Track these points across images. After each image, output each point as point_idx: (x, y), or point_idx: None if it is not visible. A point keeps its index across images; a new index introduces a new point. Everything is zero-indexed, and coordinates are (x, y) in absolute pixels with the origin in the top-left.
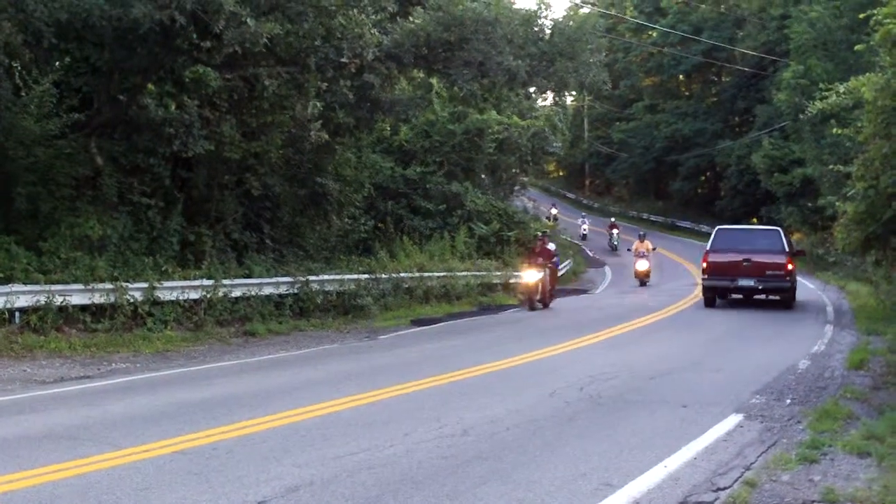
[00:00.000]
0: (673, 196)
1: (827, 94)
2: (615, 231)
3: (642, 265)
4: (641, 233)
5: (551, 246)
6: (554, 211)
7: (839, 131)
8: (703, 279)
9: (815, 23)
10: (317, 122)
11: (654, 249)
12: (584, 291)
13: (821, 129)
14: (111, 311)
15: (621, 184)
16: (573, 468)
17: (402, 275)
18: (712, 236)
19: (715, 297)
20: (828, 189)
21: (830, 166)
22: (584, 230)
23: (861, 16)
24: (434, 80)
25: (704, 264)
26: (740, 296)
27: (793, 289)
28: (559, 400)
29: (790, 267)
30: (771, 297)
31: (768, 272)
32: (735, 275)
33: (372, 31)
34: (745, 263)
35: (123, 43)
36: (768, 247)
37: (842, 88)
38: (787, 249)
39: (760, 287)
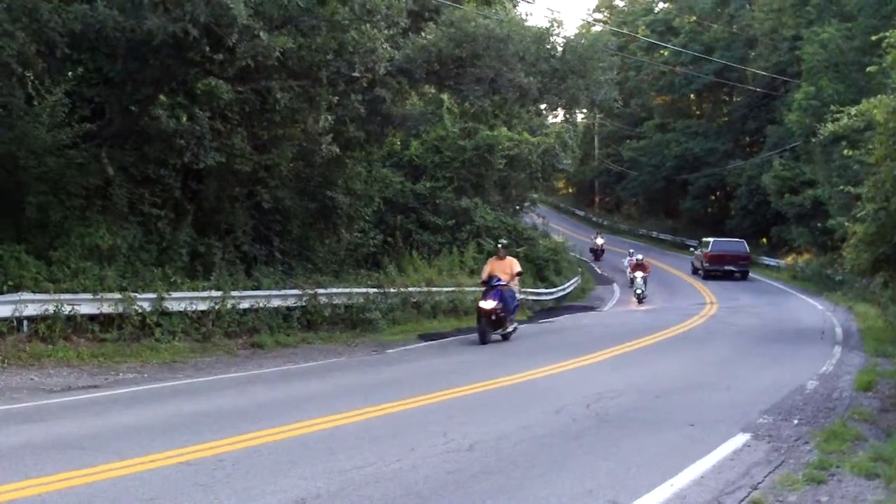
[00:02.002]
0: (683, 215)
1: (839, 115)
2: (640, 275)
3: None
4: (632, 251)
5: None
6: (600, 241)
7: (850, 153)
8: (706, 265)
9: (826, 44)
10: (328, 136)
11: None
12: (592, 308)
13: (831, 151)
14: (119, 320)
15: (631, 202)
16: (580, 485)
17: (410, 289)
18: (710, 244)
19: (714, 273)
20: (837, 210)
21: (840, 187)
22: (599, 244)
23: (873, 38)
24: (445, 96)
25: (707, 258)
26: (730, 267)
27: (748, 269)
28: (566, 417)
29: (748, 259)
30: (737, 273)
31: (739, 261)
32: (722, 263)
33: (384, 46)
34: (727, 257)
35: (136, 54)
36: (737, 249)
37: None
38: (747, 250)
39: (734, 269)
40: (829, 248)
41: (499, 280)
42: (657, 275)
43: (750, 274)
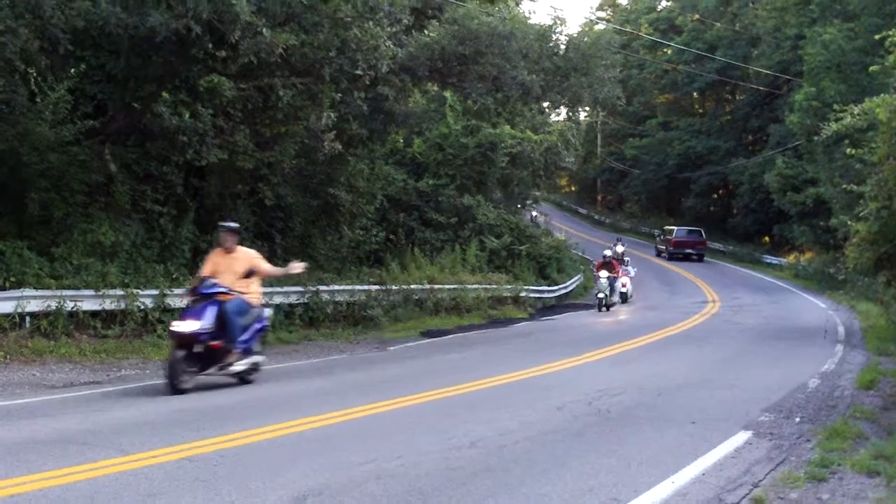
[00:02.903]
0: (685, 213)
1: (841, 115)
2: (605, 274)
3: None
4: (618, 239)
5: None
6: (620, 249)
7: (853, 152)
8: (670, 249)
9: (828, 44)
10: (330, 133)
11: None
12: (592, 307)
13: (833, 150)
14: (122, 317)
15: (633, 200)
16: (581, 482)
17: (412, 286)
18: (674, 231)
19: (676, 255)
20: (840, 209)
21: (843, 186)
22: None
23: (877, 37)
24: (448, 94)
25: (672, 244)
26: (690, 251)
27: (704, 253)
28: (567, 414)
29: (705, 244)
30: (695, 255)
31: (697, 246)
32: (683, 247)
33: (387, 44)
34: (688, 242)
35: (139, 51)
36: (696, 236)
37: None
38: (703, 237)
39: (693, 252)
40: (831, 246)
41: (217, 286)
42: (656, 272)
43: (752, 272)
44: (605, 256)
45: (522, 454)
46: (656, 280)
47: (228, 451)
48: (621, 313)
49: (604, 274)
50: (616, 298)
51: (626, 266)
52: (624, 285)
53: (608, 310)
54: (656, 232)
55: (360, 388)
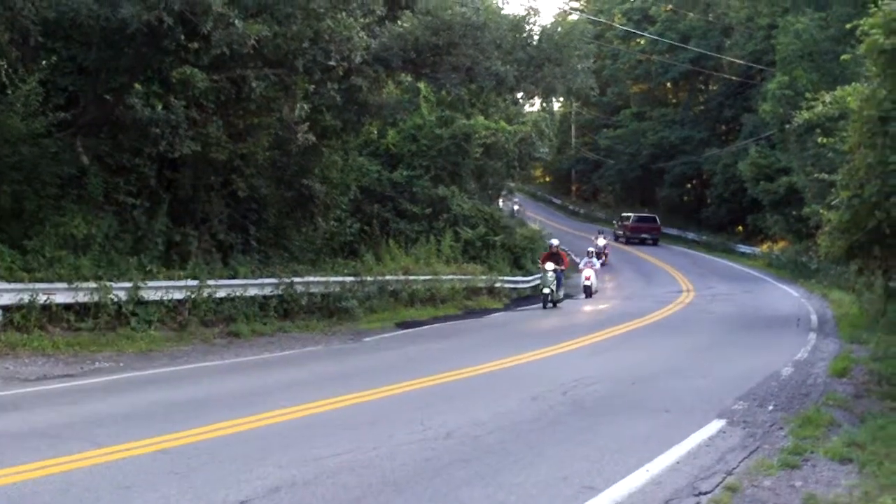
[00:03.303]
0: (659, 203)
1: (813, 103)
2: (551, 267)
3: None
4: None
5: None
6: (602, 242)
7: (824, 141)
8: (627, 234)
9: (801, 34)
10: (304, 125)
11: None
12: (569, 297)
13: (805, 139)
14: (95, 310)
15: (608, 190)
16: (556, 471)
17: (387, 278)
18: (631, 218)
19: (632, 240)
20: (812, 198)
21: (815, 175)
22: (601, 245)
23: (847, 26)
24: (422, 84)
25: (628, 229)
26: (645, 235)
27: (658, 237)
28: (542, 404)
29: (659, 229)
30: (649, 239)
31: (652, 231)
32: (641, 231)
33: (360, 34)
34: (643, 227)
35: (111, 42)
36: (651, 221)
37: (828, 98)
38: (658, 223)
39: (648, 237)
40: (804, 235)
41: None
42: (632, 262)
43: (725, 262)
44: (551, 246)
45: (497, 444)
46: (631, 270)
47: (202, 444)
48: (596, 303)
49: (550, 266)
50: (561, 294)
51: (592, 258)
52: (588, 278)
53: (555, 306)
54: (615, 220)
55: (334, 380)
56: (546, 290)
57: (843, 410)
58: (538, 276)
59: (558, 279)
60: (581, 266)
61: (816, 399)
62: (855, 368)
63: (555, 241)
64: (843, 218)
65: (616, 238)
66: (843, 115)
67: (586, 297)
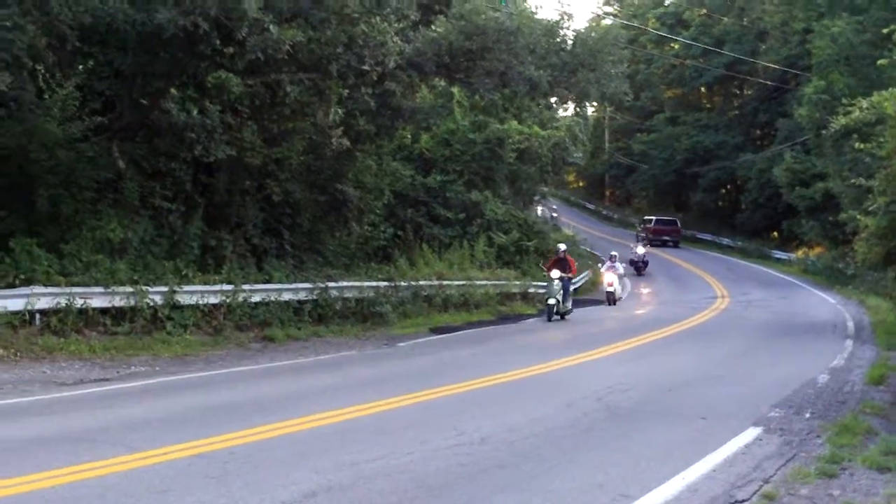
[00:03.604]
0: (693, 208)
1: (850, 109)
2: (557, 275)
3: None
4: (614, 254)
5: None
6: (641, 251)
7: (862, 146)
8: (650, 237)
9: (837, 38)
10: (338, 129)
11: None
12: (602, 302)
13: (842, 144)
14: (131, 314)
15: (641, 195)
16: (590, 479)
17: (421, 283)
18: (653, 222)
19: (654, 242)
20: (849, 203)
21: (852, 181)
22: (640, 254)
23: (885, 30)
24: (455, 89)
25: (651, 231)
26: (666, 238)
27: (679, 239)
28: (577, 410)
29: (679, 232)
30: (670, 241)
31: (673, 233)
32: (662, 234)
33: (394, 39)
34: (665, 229)
35: (147, 47)
36: (672, 224)
37: (864, 104)
38: (679, 226)
39: (669, 239)
40: (840, 241)
41: None
42: (666, 268)
43: (760, 268)
44: (558, 252)
45: (532, 450)
46: (665, 276)
47: (238, 448)
48: (629, 309)
49: (556, 274)
50: (570, 304)
51: (615, 263)
52: (610, 284)
53: (562, 318)
54: (637, 222)
55: (369, 385)
56: (551, 301)
57: (881, 418)
58: (573, 280)
59: (565, 288)
60: (603, 270)
61: (853, 407)
62: (892, 376)
63: (562, 246)
64: (881, 224)
65: (638, 240)
66: (880, 120)
67: (609, 304)
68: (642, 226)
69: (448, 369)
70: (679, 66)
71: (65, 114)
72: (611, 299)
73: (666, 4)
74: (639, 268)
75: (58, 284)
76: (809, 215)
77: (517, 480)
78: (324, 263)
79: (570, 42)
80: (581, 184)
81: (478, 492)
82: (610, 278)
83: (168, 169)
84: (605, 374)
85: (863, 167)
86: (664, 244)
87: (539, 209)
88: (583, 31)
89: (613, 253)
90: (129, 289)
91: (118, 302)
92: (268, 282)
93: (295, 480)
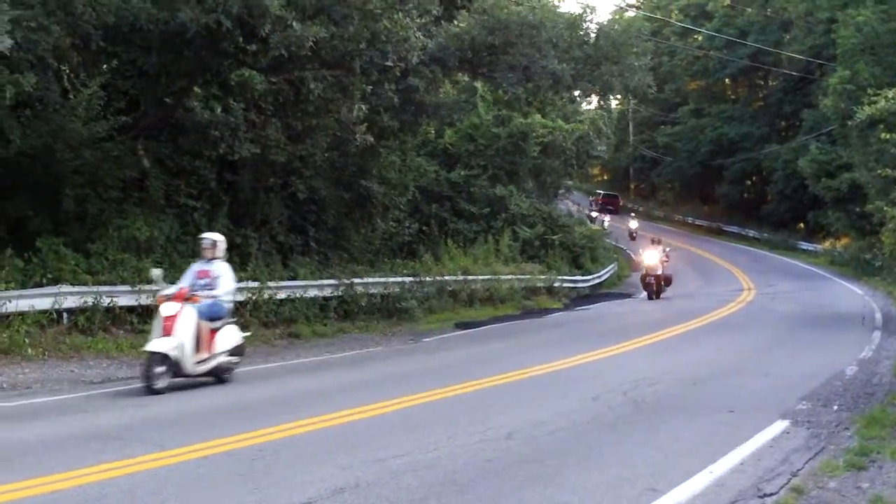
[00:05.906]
0: (718, 200)
1: (875, 99)
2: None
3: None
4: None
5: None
6: (634, 224)
7: (888, 136)
8: (599, 205)
9: (862, 27)
10: (362, 125)
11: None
12: (628, 296)
13: (868, 135)
14: (158, 312)
15: (666, 188)
16: (617, 473)
17: (446, 278)
18: (601, 195)
19: (603, 210)
20: (875, 194)
21: (878, 171)
22: (633, 227)
23: None
24: (478, 84)
25: (600, 201)
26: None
27: (616, 209)
28: (602, 404)
29: (618, 202)
30: (612, 209)
31: (613, 204)
32: (607, 204)
33: (417, 35)
34: (609, 201)
35: (170, 46)
36: (613, 199)
37: (891, 93)
38: (619, 198)
39: (612, 208)
40: (867, 232)
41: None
42: (692, 261)
43: (787, 259)
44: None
45: (558, 445)
46: (691, 268)
47: (266, 445)
48: (654, 302)
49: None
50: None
51: (658, 246)
52: (652, 270)
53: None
54: (590, 196)
55: (395, 381)
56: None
57: None
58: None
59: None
60: (643, 254)
61: (882, 399)
62: None
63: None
64: None
65: (592, 207)
66: None
67: (650, 298)
68: (593, 198)
69: (474, 365)
70: (703, 58)
71: (90, 113)
72: (651, 291)
73: None
74: (632, 236)
75: (85, 283)
76: (836, 206)
77: (544, 475)
78: (349, 260)
79: (593, 35)
80: (605, 177)
81: (505, 487)
82: (651, 259)
83: (193, 167)
84: (631, 367)
85: (889, 157)
86: (609, 211)
87: (588, 211)
88: (606, 24)
89: (633, 214)
90: (156, 287)
91: (145, 300)
92: (293, 279)
93: (322, 477)
